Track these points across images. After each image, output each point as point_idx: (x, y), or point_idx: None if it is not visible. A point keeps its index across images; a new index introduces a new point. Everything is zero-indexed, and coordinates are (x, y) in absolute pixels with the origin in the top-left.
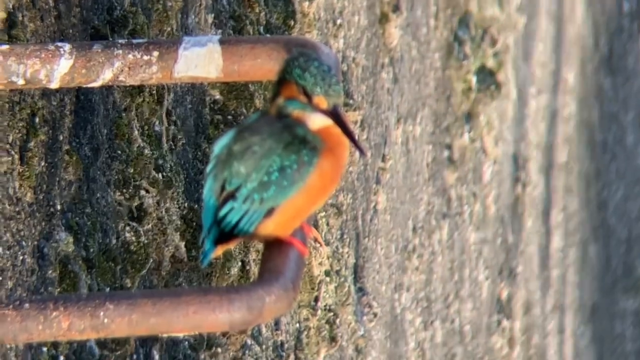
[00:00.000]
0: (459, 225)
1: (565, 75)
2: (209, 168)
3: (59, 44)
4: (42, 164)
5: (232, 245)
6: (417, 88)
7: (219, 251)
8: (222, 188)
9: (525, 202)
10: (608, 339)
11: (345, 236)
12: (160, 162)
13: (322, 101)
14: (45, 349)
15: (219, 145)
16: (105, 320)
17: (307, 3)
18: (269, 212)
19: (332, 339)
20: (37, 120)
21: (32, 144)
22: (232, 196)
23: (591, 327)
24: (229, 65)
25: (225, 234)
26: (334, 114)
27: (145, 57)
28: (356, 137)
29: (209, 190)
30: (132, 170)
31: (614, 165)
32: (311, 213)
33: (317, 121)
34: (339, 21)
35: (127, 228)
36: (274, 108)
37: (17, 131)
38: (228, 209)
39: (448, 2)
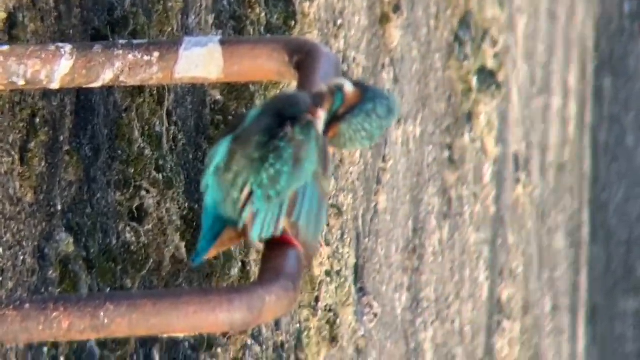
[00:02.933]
0: (459, 225)
1: (565, 76)
2: (208, 176)
3: (60, 44)
4: (43, 164)
5: (227, 246)
6: (417, 88)
7: (213, 252)
8: (229, 194)
9: (526, 202)
10: (608, 340)
11: (345, 236)
12: (161, 162)
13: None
14: (45, 349)
15: (217, 152)
16: (106, 321)
17: (307, 3)
18: (294, 200)
19: (333, 339)
20: (37, 120)
21: (32, 144)
22: (250, 201)
23: (592, 328)
24: (230, 66)
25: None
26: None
27: (146, 58)
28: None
29: (212, 198)
30: (132, 171)
31: (615, 167)
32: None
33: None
34: (339, 21)
35: (128, 228)
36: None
37: (17, 132)
38: (248, 213)
39: (449, 2)
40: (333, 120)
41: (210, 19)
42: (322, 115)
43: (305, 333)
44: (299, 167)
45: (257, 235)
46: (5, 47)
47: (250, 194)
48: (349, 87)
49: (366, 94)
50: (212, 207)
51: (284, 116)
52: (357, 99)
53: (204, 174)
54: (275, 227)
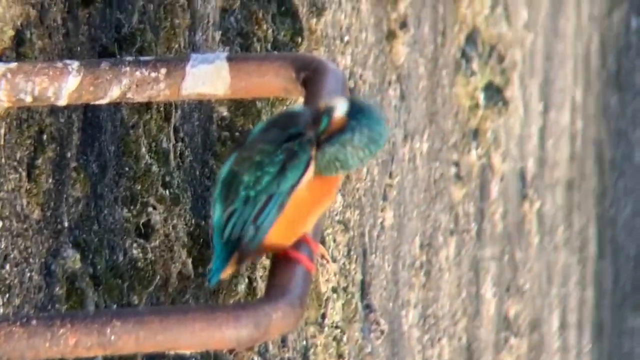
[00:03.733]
0: (466, 242)
1: (572, 92)
2: (216, 194)
3: (67, 61)
4: (50, 181)
5: (242, 262)
6: (424, 105)
7: (228, 271)
8: (228, 206)
9: (533, 219)
10: (616, 357)
11: (352, 253)
12: (168, 178)
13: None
14: None
15: (224, 168)
16: (112, 337)
17: (314, 20)
18: (265, 204)
19: (339, 356)
20: (44, 137)
21: (39, 161)
22: (231, 203)
23: (599, 344)
24: (237, 82)
25: (233, 244)
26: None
27: (153, 75)
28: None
29: (218, 215)
30: (139, 187)
31: (622, 182)
32: (312, 219)
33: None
34: (346, 38)
35: (135, 245)
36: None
37: (24, 148)
38: (227, 215)
39: (455, 18)
40: (316, 144)
41: (217, 35)
42: (311, 134)
43: (312, 350)
44: (283, 175)
45: (227, 235)
46: (13, 64)
47: (236, 196)
48: (339, 111)
49: (350, 121)
50: (219, 224)
51: (288, 132)
52: (342, 125)
53: (214, 189)
54: (242, 229)
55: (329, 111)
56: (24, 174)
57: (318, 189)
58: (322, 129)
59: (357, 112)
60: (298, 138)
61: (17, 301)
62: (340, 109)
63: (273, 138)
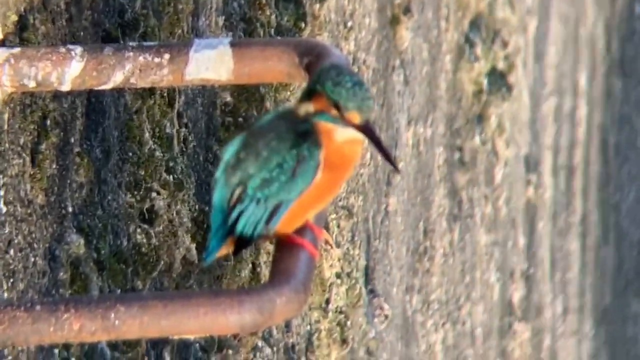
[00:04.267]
0: (470, 227)
1: (576, 77)
2: (218, 173)
3: (71, 46)
4: (54, 166)
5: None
6: (428, 90)
7: (223, 251)
8: (232, 193)
9: (537, 204)
10: (620, 342)
11: (356, 238)
12: (171, 164)
13: (354, 116)
14: (56, 350)
15: (229, 151)
16: (116, 322)
17: (317, 5)
18: (276, 209)
19: (343, 341)
20: (48, 122)
21: (43, 146)
22: (240, 200)
23: (603, 330)
24: (240, 68)
25: (243, 240)
26: (367, 130)
27: (157, 60)
28: (391, 154)
29: (219, 195)
30: (143, 173)
31: (626, 168)
32: (316, 210)
33: (347, 134)
34: (349, 23)
35: (138, 230)
36: (302, 114)
37: (28, 134)
38: (237, 213)
39: (459, 4)
40: (310, 91)
41: (221, 21)
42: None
43: (316, 335)
44: (294, 181)
45: (239, 231)
46: (16, 50)
47: (243, 192)
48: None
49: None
50: (220, 204)
51: (297, 130)
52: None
53: (216, 171)
54: (254, 230)
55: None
56: (27, 159)
57: (325, 184)
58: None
59: (324, 80)
60: (307, 138)
61: (21, 286)
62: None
63: (282, 134)
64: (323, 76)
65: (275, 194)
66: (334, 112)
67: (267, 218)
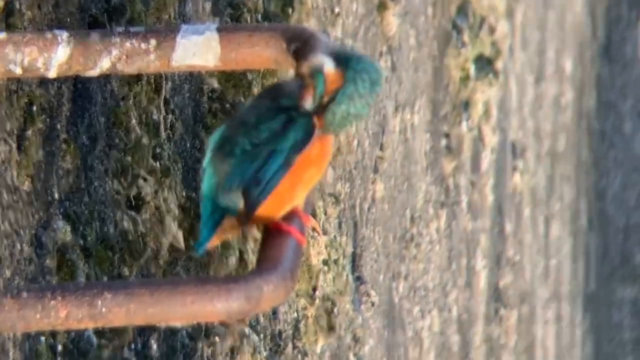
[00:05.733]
0: (456, 214)
1: (562, 63)
2: (205, 163)
3: (57, 32)
4: (40, 152)
5: (229, 234)
6: (415, 76)
7: (215, 241)
8: (223, 178)
9: (523, 191)
10: (605, 328)
11: (343, 225)
12: (158, 150)
13: (328, 125)
14: (43, 338)
15: (213, 139)
16: (103, 310)
17: None
18: (269, 157)
19: (330, 328)
20: (34, 108)
21: (29, 132)
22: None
23: (589, 316)
24: (227, 54)
25: (221, 212)
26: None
27: (143, 46)
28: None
29: (208, 184)
30: (130, 159)
31: (612, 154)
32: (305, 191)
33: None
34: (337, 9)
35: (125, 217)
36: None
37: (14, 120)
38: (226, 175)
39: None
40: (319, 110)
41: (208, 6)
42: (308, 101)
43: (303, 322)
44: (284, 133)
45: (229, 187)
46: (2, 35)
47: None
48: (329, 68)
49: (347, 73)
50: (209, 193)
51: (280, 105)
52: (339, 81)
53: (203, 159)
54: (242, 179)
55: (318, 72)
56: (14, 145)
57: (317, 152)
58: (320, 91)
59: (347, 61)
60: (292, 110)
61: (7, 273)
62: (328, 64)
63: (266, 107)
64: (357, 68)
65: (263, 142)
66: (323, 97)
67: (256, 168)
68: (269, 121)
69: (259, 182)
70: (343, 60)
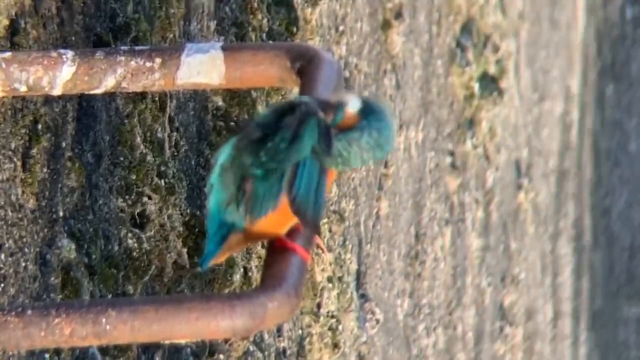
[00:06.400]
0: (461, 231)
1: (567, 82)
2: (213, 178)
3: (62, 50)
4: (45, 170)
5: (234, 250)
6: (419, 95)
7: (221, 257)
8: (232, 193)
9: (528, 208)
10: (612, 346)
11: (347, 242)
12: (163, 168)
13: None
14: (47, 355)
15: (222, 154)
16: (108, 327)
17: (309, 10)
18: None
19: (335, 346)
20: (39, 127)
21: (34, 150)
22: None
23: (594, 334)
24: (232, 72)
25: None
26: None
27: (148, 64)
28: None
29: (215, 199)
30: (134, 177)
31: (617, 172)
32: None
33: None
34: (341, 28)
35: (130, 235)
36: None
37: (19, 138)
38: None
39: (450, 8)
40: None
41: (212, 25)
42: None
43: (307, 339)
44: (299, 141)
45: (258, 213)
46: (8, 54)
47: (252, 182)
48: (352, 108)
49: (362, 121)
50: (216, 209)
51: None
52: (352, 122)
53: (209, 175)
54: (275, 201)
55: (342, 105)
56: (18, 163)
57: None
58: (336, 122)
59: (370, 112)
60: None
61: (12, 291)
62: (353, 105)
63: (272, 123)
64: (373, 124)
65: (285, 158)
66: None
67: (286, 185)
68: (279, 132)
69: (307, 194)
70: (368, 110)
